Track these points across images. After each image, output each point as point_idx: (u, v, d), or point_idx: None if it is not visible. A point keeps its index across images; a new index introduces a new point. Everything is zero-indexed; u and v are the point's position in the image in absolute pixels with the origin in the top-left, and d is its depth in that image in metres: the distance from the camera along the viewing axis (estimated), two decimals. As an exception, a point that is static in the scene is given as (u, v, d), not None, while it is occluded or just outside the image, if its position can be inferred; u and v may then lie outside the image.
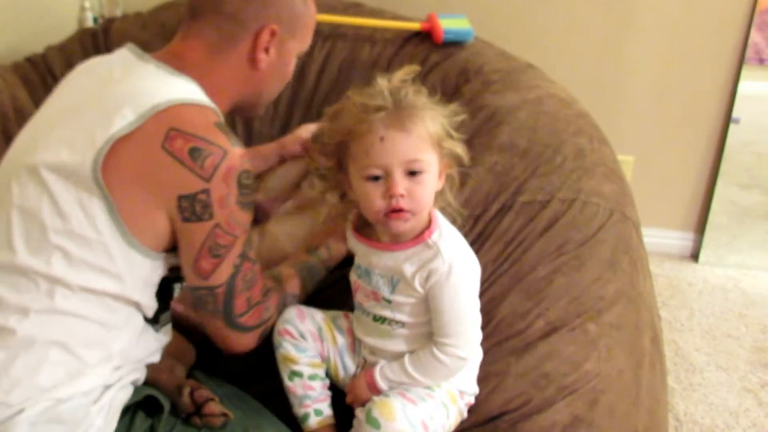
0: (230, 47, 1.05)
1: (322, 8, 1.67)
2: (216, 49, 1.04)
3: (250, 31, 1.05)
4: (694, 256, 2.35)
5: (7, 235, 0.92)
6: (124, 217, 0.92)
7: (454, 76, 1.61)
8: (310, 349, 1.08)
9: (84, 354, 0.93)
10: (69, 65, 1.61)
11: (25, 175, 0.94)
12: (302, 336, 1.08)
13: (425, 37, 1.71)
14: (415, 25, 1.71)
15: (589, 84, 2.18)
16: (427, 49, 1.68)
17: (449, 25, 1.70)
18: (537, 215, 1.31)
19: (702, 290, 2.19)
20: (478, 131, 1.45)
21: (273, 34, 1.06)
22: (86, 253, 0.91)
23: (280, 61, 1.11)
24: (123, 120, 0.92)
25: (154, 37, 1.69)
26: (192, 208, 0.93)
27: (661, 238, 2.36)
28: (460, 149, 1.01)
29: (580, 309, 1.21)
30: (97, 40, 1.73)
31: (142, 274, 0.96)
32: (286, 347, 1.07)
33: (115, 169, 0.91)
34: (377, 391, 1.03)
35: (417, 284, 0.99)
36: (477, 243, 1.28)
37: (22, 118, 1.47)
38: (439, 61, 1.65)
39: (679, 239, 2.37)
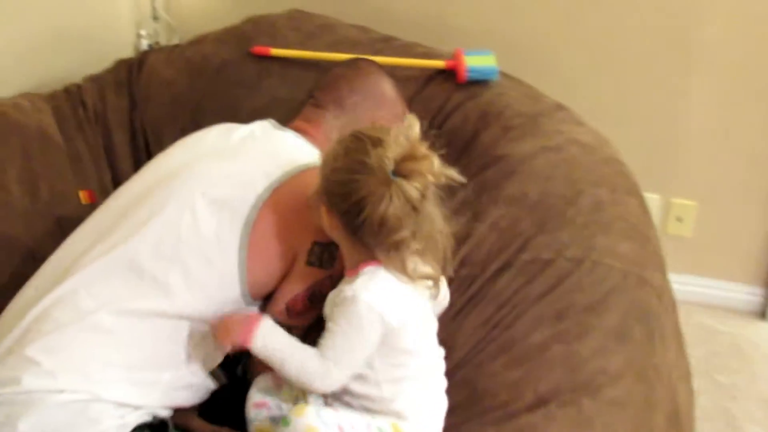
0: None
1: (345, 45, 1.69)
2: (333, 133, 1.24)
3: (363, 124, 1.19)
4: (762, 314, 2.17)
5: (140, 232, 1.05)
6: (249, 255, 1.06)
7: (474, 120, 1.56)
8: None
9: (139, 368, 1.01)
10: (101, 96, 1.70)
11: (175, 194, 1.10)
12: (279, 407, 1.07)
13: (451, 75, 1.67)
14: (439, 63, 1.68)
15: (646, 122, 2.07)
16: (451, 89, 1.64)
17: (474, 62, 1.66)
18: (538, 275, 1.25)
19: (767, 353, 2.02)
20: (488, 183, 1.40)
21: None
22: (203, 273, 1.04)
23: None
24: (280, 170, 1.10)
25: (179, 74, 1.74)
26: (321, 255, 1.09)
27: (725, 291, 2.20)
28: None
29: (575, 382, 1.14)
30: (131, 72, 1.80)
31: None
32: (263, 421, 1.06)
33: (267, 210, 1.07)
34: (249, 337, 0.99)
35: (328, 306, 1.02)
36: (468, 306, 1.23)
37: (46, 144, 1.54)
38: (462, 102, 1.61)
39: (746, 294, 2.19)
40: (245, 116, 1.54)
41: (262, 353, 0.99)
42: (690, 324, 1.71)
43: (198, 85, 1.70)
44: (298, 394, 1.07)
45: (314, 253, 1.10)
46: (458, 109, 1.60)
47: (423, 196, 0.97)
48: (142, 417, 1.01)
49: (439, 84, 1.67)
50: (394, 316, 0.99)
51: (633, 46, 2.00)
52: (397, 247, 0.99)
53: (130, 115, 1.71)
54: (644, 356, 1.21)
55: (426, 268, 1.04)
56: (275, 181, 1.11)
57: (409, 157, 0.95)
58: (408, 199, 0.95)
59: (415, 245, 1.00)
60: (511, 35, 2.00)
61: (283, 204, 1.09)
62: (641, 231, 1.37)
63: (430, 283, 1.05)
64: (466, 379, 1.13)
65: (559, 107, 1.61)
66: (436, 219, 1.02)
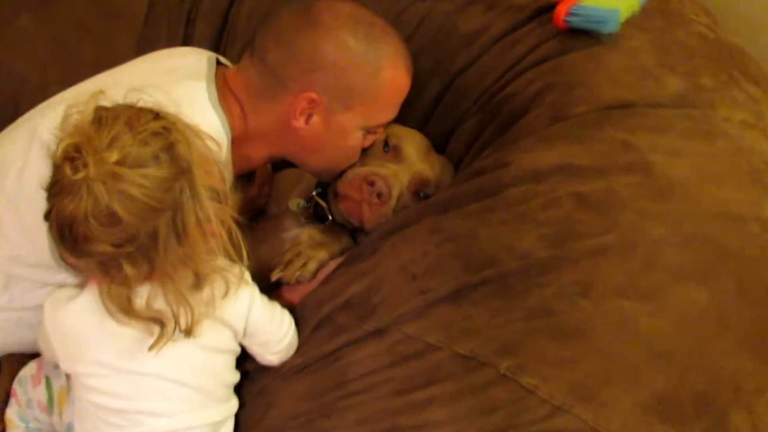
0: (267, 100, 1.17)
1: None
2: (255, 96, 1.18)
3: (289, 91, 1.15)
4: None
5: None
6: None
7: (534, 91, 1.24)
8: (32, 420, 1.14)
9: None
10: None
11: (24, 130, 1.17)
12: (29, 404, 1.13)
13: (563, 12, 1.31)
14: (550, -6, 1.32)
15: None
16: (548, 34, 1.30)
17: (594, 1, 1.26)
18: (407, 363, 1.01)
19: None
20: (462, 198, 1.13)
21: (313, 102, 1.15)
22: (12, 228, 1.12)
23: (330, 134, 1.19)
24: None
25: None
26: None
27: None
28: None
29: None
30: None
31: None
32: (10, 412, 1.15)
33: None
34: None
35: None
36: (315, 365, 1.08)
37: (119, 29, 1.69)
38: (544, 57, 1.28)
39: None
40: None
41: None
42: None
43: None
44: (54, 396, 1.11)
45: None
46: (533, 68, 1.28)
47: (135, 201, 0.87)
48: None
49: (541, 23, 1.34)
50: (68, 360, 0.96)
51: None
52: (102, 263, 0.91)
53: (227, 8, 1.74)
54: None
55: (159, 307, 0.94)
56: None
57: (78, 147, 0.87)
58: (104, 206, 0.86)
59: (131, 270, 0.90)
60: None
61: None
62: (645, 344, 0.96)
63: (155, 328, 0.94)
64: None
65: (686, 99, 1.16)
66: (195, 242, 0.92)
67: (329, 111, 1.17)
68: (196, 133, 0.95)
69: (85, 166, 0.85)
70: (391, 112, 1.24)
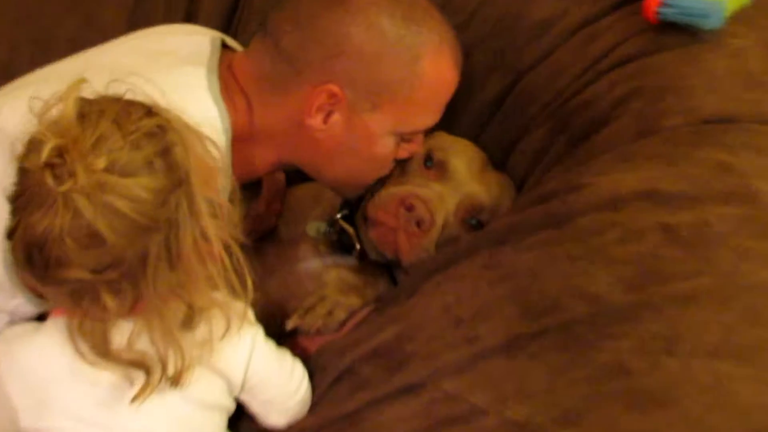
0: (279, 92, 1.12)
1: None
2: (265, 86, 1.12)
3: (306, 82, 1.09)
4: None
5: None
6: None
7: (618, 97, 1.18)
8: None
9: None
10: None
11: None
12: None
13: (656, 1, 1.26)
14: (639, -19, 1.27)
15: None
16: (635, 28, 1.25)
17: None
18: (436, 430, 0.94)
19: None
20: (521, 226, 1.07)
21: (333, 97, 1.08)
22: None
23: (352, 137, 1.13)
24: None
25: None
26: None
27: None
28: None
29: None
30: None
31: None
32: None
33: None
34: None
35: None
36: (329, 428, 1.02)
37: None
38: (630, 57, 1.22)
39: None
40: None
41: None
42: None
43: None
44: None
45: None
46: (616, 68, 1.23)
47: (123, 218, 0.80)
48: None
49: (627, 14, 1.28)
50: (31, 415, 0.90)
51: None
52: (76, 292, 0.84)
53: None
54: None
55: (143, 348, 0.89)
56: None
57: (62, 151, 0.79)
58: (85, 224, 0.79)
59: (110, 301, 0.84)
60: None
61: None
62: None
63: (139, 374, 0.88)
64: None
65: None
66: (191, 267, 0.86)
67: (353, 109, 1.10)
68: (194, 132, 0.89)
69: (72, 175, 0.78)
70: (432, 116, 1.16)
